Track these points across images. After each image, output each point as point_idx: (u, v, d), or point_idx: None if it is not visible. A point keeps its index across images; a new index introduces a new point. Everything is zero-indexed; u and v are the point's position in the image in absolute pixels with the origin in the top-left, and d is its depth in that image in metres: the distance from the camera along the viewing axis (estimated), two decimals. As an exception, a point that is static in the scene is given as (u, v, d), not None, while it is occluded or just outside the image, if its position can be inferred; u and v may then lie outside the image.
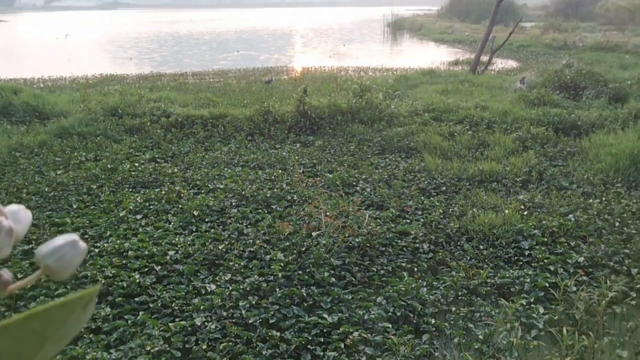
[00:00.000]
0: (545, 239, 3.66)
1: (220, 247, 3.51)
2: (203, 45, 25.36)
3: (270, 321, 2.78)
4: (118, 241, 3.59)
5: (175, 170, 5.18)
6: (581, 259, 3.39)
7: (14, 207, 0.32)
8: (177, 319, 2.80)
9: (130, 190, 4.68)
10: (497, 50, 12.56)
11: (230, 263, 3.34)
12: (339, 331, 2.69)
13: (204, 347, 2.56)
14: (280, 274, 3.18)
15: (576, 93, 8.05)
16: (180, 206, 4.24)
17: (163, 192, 4.49)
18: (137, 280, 3.08)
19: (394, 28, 34.89)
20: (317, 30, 39.38)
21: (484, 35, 12.50)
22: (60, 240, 0.35)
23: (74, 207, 4.25)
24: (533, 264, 3.40)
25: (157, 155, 5.65)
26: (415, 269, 3.37)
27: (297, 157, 5.56)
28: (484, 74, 11.90)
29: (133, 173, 5.01)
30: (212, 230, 3.82)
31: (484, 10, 30.99)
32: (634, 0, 34.97)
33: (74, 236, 0.35)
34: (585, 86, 8.08)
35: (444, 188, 4.70)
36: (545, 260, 3.39)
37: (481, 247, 3.63)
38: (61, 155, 5.57)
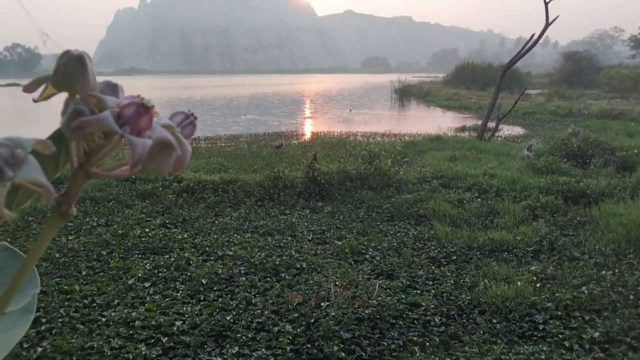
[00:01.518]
0: (559, 313, 3.58)
1: (227, 318, 3.47)
2: (215, 111, 26.08)
3: (278, 398, 2.70)
4: (125, 310, 3.56)
5: (185, 236, 5.20)
6: (596, 334, 3.30)
7: None
8: (182, 395, 2.73)
9: (139, 256, 4.69)
10: (503, 118, 12.80)
11: (238, 335, 3.28)
12: (348, 410, 2.60)
13: None
14: (288, 348, 3.11)
15: (583, 161, 8.11)
16: (188, 274, 4.22)
17: (172, 259, 4.50)
18: (143, 353, 3.03)
19: (401, 94, 35.78)
20: (327, 95, 40.50)
21: (490, 103, 12.80)
22: None
23: (83, 273, 4.25)
24: (547, 339, 3.31)
25: (167, 221, 5.69)
26: (427, 344, 3.29)
27: (306, 224, 5.58)
28: (491, 140, 12.08)
29: (143, 239, 5.04)
30: (220, 300, 3.79)
31: (489, 78, 31.89)
32: (637, 69, 35.84)
33: None
34: (593, 154, 8.16)
35: (455, 257, 4.66)
36: (560, 335, 3.31)
37: (494, 320, 3.55)
38: (73, 220, 5.63)
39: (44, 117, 22.90)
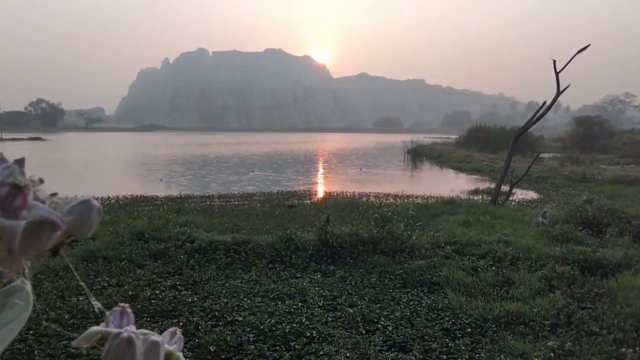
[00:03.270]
0: (580, 394, 3.44)
1: (235, 389, 3.37)
2: (229, 169, 26.46)
3: None
4: (132, 378, 3.48)
5: (195, 299, 5.15)
6: (621, 420, 3.14)
7: None
8: None
9: (148, 319, 4.64)
10: (517, 183, 12.79)
11: (245, 408, 3.18)
12: None
13: None
14: None
15: (599, 230, 7.99)
16: (197, 340, 4.15)
17: (181, 324, 4.44)
18: None
19: (414, 155, 36.12)
20: (341, 155, 40.97)
21: (503, 167, 12.84)
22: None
23: (91, 336, 4.20)
24: (568, 423, 3.16)
25: (178, 283, 5.66)
26: None
27: (317, 288, 5.51)
28: (504, 205, 12.02)
29: (153, 301, 5.00)
30: (228, 369, 3.70)
31: (502, 141, 32.14)
32: (649, 135, 35.94)
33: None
34: (608, 223, 8.05)
35: (469, 329, 4.54)
36: (582, 420, 3.16)
37: (511, 400, 3.41)
38: (85, 279, 5.63)
39: (59, 168, 23.41)
